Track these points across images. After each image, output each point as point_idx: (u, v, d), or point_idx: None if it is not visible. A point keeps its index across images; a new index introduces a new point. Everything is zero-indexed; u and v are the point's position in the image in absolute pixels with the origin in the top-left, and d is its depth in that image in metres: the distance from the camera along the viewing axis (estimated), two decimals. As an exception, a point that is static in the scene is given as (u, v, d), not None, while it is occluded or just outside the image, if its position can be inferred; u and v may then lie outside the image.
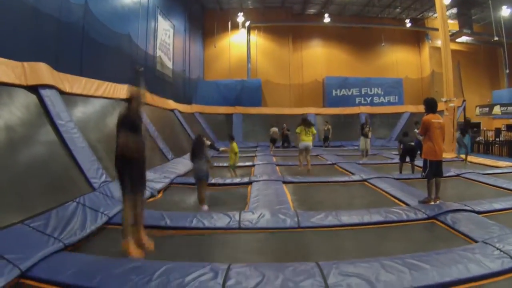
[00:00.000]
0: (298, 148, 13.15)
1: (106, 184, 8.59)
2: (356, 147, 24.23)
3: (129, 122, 5.98)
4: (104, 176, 8.88)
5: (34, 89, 8.71)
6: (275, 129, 26.31)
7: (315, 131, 13.27)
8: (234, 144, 13.32)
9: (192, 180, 10.03)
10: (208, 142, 11.02)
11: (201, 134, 10.10)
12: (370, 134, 18.79)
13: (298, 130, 12.99)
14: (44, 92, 8.88)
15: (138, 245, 5.90)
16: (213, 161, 10.36)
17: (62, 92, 9.65)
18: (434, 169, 8.30)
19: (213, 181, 10.47)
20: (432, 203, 8.13)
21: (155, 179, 10.76)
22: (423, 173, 8.54)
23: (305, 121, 13.03)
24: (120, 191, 6.08)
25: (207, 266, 4.58)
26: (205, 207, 9.03)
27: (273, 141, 25.71)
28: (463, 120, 22.21)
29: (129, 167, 5.98)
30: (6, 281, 4.20)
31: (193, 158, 9.40)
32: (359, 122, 24.97)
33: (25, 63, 8.65)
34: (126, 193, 6.00)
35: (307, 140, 12.78)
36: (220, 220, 6.99)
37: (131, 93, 6.22)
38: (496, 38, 29.82)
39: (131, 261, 4.82)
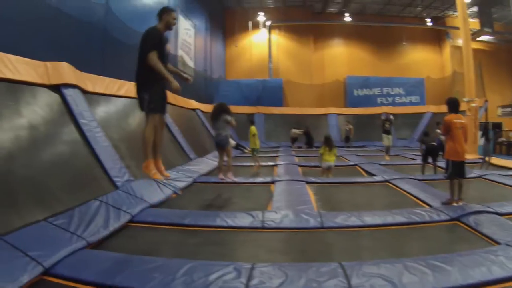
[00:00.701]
0: (321, 166, 13.10)
1: (129, 183, 8.62)
2: (378, 148, 24.16)
3: (156, 40, 6.14)
4: (127, 175, 8.94)
5: (56, 88, 8.80)
6: (295, 130, 26.72)
7: (336, 153, 13.23)
8: (252, 127, 13.39)
9: (215, 179, 10.09)
10: (234, 142, 11.10)
11: (223, 103, 10.14)
12: (391, 130, 18.76)
13: (321, 150, 13.00)
14: (67, 92, 8.97)
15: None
16: (236, 161, 10.37)
17: (84, 92, 9.74)
18: (456, 170, 8.19)
19: (235, 179, 10.46)
20: (455, 204, 8.01)
21: (178, 178, 10.78)
22: (446, 174, 8.47)
23: (328, 141, 13.03)
24: (144, 109, 6.20)
25: (231, 265, 4.55)
26: (221, 176, 9.08)
27: (293, 140, 26.22)
28: (485, 121, 22.03)
29: (154, 84, 6.14)
30: (30, 278, 4.22)
31: (213, 124, 9.54)
32: (380, 118, 24.82)
33: (48, 63, 8.74)
34: (150, 112, 6.12)
35: (330, 160, 12.78)
36: (244, 219, 6.95)
37: (161, 11, 6.46)
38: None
39: (154, 260, 4.82)
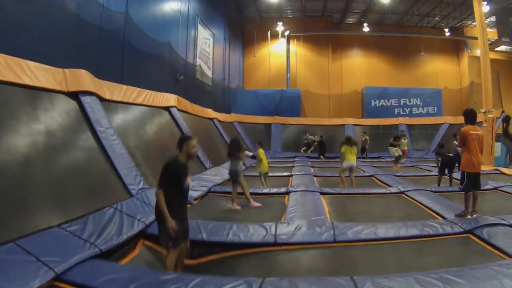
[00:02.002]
0: (342, 166, 13.13)
1: (143, 191, 8.64)
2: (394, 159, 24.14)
3: (173, 172, 5.82)
4: (142, 182, 8.96)
5: (74, 95, 8.89)
6: (311, 136, 26.93)
7: (356, 150, 13.46)
8: (259, 150, 13.26)
9: (228, 189, 10.11)
10: (250, 154, 11.21)
11: (237, 138, 10.35)
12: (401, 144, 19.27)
13: (343, 149, 13.06)
14: (85, 99, 9.06)
15: None
16: (250, 171, 10.39)
17: (102, 99, 9.82)
18: (472, 182, 8.10)
19: (250, 190, 10.43)
20: (469, 216, 7.93)
21: (193, 187, 10.75)
22: (461, 186, 8.39)
23: (349, 140, 13.16)
24: (169, 248, 5.79)
25: (241, 279, 4.52)
26: (235, 207, 9.18)
27: (307, 145, 26.47)
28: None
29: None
30: (41, 283, 4.26)
31: (229, 158, 9.82)
32: (397, 133, 24.81)
33: (66, 70, 8.83)
34: (171, 248, 5.69)
35: (352, 159, 12.89)
36: (256, 233, 6.80)
37: (180, 141, 6.11)
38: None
39: (165, 273, 4.82)
